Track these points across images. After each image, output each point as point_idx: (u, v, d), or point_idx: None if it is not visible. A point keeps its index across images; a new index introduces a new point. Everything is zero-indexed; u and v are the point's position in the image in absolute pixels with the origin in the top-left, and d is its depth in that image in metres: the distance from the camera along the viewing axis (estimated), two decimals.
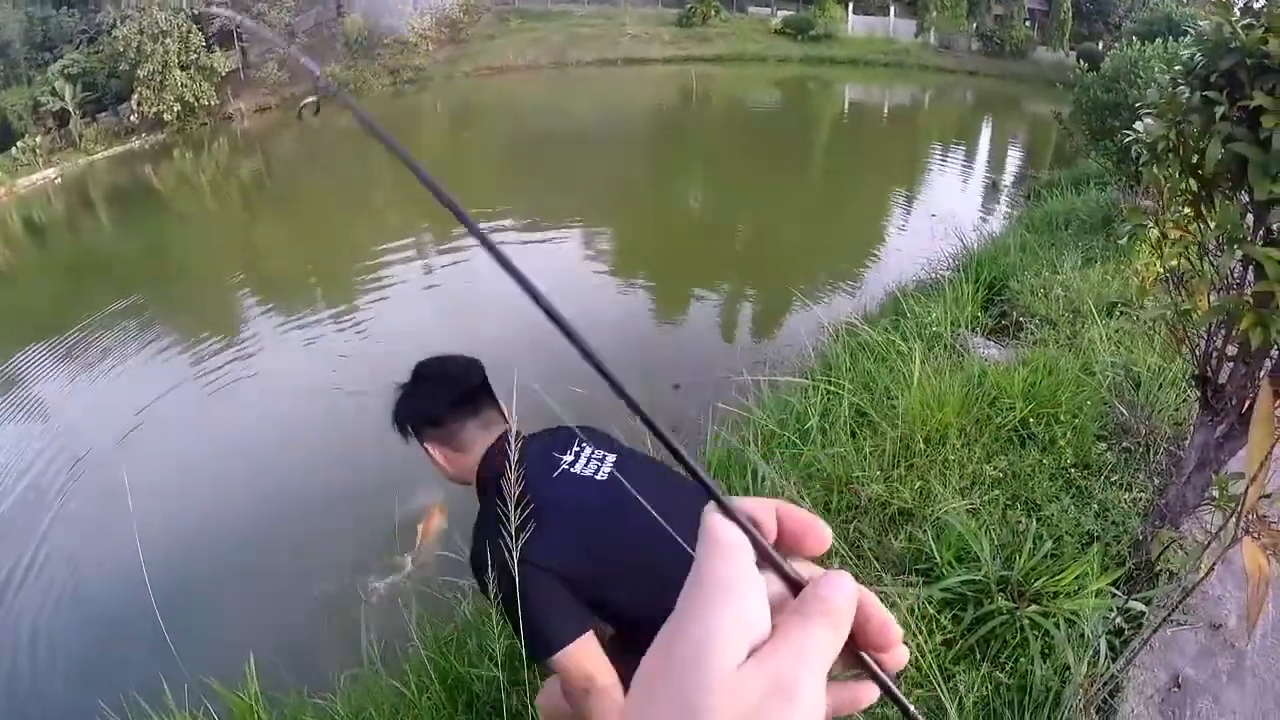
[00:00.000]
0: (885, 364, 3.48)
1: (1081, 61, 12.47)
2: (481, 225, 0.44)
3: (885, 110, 20.24)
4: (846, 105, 20.65)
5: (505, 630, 1.89)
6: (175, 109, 21.15)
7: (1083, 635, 2.18)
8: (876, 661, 0.36)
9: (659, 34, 27.21)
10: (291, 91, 23.46)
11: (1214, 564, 1.72)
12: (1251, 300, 1.40)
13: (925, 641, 2.07)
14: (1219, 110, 1.34)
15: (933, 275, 5.52)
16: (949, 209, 8.32)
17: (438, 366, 1.68)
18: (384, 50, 24.19)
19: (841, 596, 0.34)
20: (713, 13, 27.10)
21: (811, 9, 25.64)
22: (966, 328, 4.22)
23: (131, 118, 22.45)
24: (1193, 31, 1.63)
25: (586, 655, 1.39)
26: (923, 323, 4.05)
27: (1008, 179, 11.50)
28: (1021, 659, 2.20)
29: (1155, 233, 1.62)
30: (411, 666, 2.40)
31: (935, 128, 15.24)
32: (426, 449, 1.64)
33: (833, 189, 11.45)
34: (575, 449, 1.59)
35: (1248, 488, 1.40)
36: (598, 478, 1.53)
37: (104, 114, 30.38)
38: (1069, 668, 2.10)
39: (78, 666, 3.60)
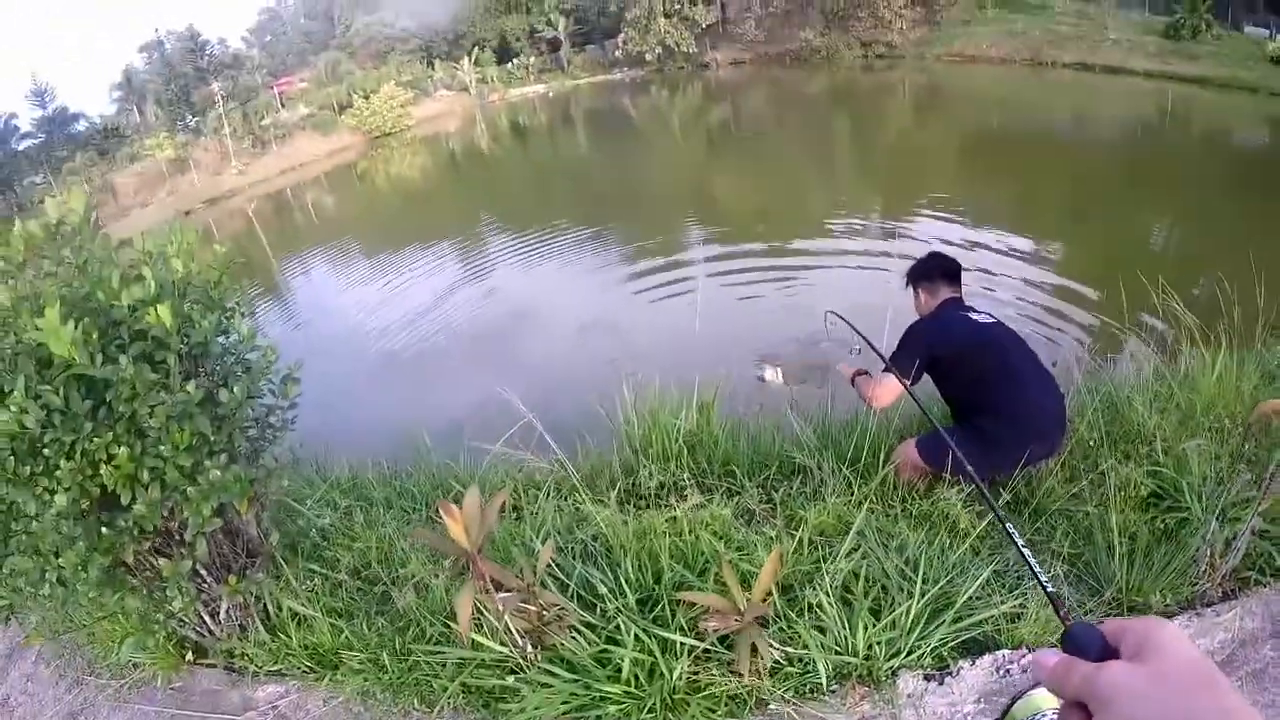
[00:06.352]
0: None
1: None
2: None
3: None
4: None
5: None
6: (656, 50, 23.59)
7: None
8: None
9: (1143, 43, 24.17)
10: (765, 50, 25.34)
11: None
12: None
13: None
14: None
15: None
16: None
17: (940, 256, 3.18)
18: (858, 22, 25.20)
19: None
20: (1204, 27, 23.36)
21: None
22: None
23: (616, 53, 25.98)
24: None
25: (891, 388, 2.83)
26: None
27: None
28: None
29: None
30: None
31: None
32: (917, 291, 3.14)
33: None
34: (978, 312, 2.97)
35: None
36: (981, 321, 2.90)
37: (590, 46, 35.30)
38: None
39: None
